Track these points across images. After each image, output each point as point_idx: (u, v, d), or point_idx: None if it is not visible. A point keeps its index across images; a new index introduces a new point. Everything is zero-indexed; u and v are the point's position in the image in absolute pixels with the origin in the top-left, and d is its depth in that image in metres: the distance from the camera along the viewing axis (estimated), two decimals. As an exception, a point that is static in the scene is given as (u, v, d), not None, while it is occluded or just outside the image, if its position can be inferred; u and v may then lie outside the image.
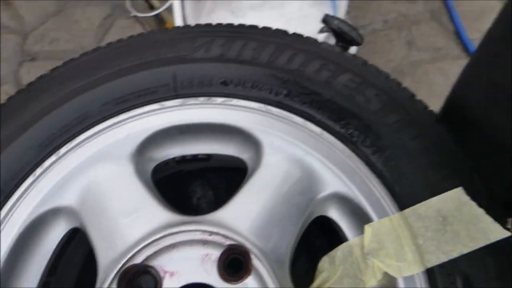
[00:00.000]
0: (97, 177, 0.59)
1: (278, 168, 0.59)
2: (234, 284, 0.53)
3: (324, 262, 0.58)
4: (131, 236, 0.55)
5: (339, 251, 0.57)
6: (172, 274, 0.55)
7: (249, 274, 0.53)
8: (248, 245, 0.54)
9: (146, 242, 0.54)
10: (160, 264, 0.54)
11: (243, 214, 0.57)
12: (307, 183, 0.59)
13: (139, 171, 0.61)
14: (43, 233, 0.58)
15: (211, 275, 0.54)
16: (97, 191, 0.59)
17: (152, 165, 0.64)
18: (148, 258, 0.54)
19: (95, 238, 0.56)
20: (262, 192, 0.58)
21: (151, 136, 0.62)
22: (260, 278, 0.53)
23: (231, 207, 0.58)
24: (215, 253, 0.55)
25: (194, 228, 0.55)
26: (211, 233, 0.55)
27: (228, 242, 0.54)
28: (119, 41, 0.70)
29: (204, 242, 0.55)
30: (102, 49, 0.69)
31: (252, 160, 0.63)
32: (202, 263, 0.55)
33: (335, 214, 0.60)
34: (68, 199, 0.58)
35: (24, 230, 0.57)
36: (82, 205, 0.58)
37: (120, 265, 0.53)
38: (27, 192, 0.58)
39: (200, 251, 0.55)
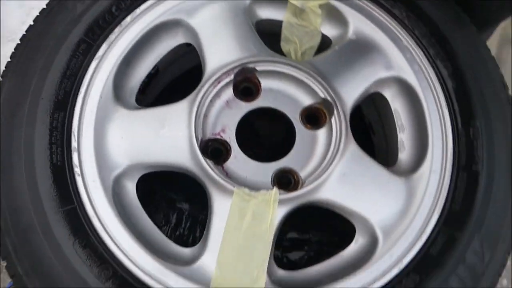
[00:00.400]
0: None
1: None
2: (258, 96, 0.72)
3: (283, 47, 0.77)
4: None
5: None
6: (223, 130, 0.69)
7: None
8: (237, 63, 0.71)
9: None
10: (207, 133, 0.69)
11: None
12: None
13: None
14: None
15: (242, 107, 0.71)
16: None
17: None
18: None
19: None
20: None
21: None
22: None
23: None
24: (229, 92, 0.71)
25: (204, 91, 0.69)
26: (218, 80, 0.70)
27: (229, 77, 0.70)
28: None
29: (217, 95, 0.70)
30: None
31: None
32: (228, 106, 0.71)
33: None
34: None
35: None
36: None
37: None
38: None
39: (221, 103, 0.71)
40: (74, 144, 0.64)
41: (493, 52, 0.77)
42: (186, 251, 0.67)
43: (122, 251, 0.61)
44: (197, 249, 0.66)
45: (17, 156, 0.62)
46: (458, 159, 0.70)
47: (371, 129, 0.94)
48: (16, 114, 0.63)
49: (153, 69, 0.76)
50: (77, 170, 0.63)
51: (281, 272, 0.68)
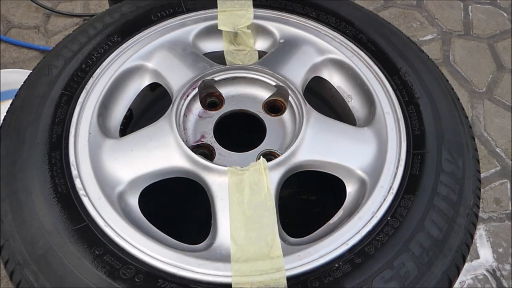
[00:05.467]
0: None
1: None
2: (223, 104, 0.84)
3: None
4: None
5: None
6: (203, 136, 0.79)
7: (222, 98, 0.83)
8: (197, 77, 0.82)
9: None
10: (190, 141, 0.77)
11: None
12: None
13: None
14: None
15: (213, 115, 0.84)
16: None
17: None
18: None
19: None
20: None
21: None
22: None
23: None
24: (198, 105, 0.84)
25: (176, 106, 0.80)
26: (186, 94, 0.80)
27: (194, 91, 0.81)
28: None
29: (188, 109, 0.83)
30: None
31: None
32: (201, 117, 0.82)
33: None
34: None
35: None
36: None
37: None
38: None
39: (194, 116, 0.82)
40: (74, 172, 0.70)
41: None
42: (200, 243, 0.70)
43: (141, 251, 0.64)
44: (209, 237, 0.70)
45: (24, 194, 0.67)
46: (401, 97, 0.82)
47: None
48: (17, 160, 0.70)
49: (127, 111, 0.86)
50: (82, 192, 0.68)
51: (292, 239, 0.72)
